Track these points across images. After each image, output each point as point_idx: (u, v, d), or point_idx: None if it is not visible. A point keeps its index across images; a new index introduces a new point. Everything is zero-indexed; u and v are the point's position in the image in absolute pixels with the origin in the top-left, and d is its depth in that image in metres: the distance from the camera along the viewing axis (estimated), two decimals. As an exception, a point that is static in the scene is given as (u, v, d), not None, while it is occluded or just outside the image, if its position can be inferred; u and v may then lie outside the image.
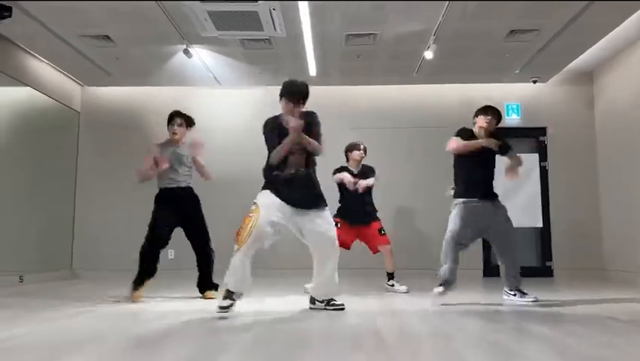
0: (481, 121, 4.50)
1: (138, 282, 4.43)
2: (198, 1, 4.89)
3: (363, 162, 5.49)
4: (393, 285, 5.21)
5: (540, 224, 7.38)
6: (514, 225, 7.09)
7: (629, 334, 2.85)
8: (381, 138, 7.29)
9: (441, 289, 4.16)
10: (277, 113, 3.92)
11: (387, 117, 7.55)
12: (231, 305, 3.45)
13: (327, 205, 3.79)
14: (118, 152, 7.57)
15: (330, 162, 5.23)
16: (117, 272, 6.81)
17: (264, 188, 3.70)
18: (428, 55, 6.05)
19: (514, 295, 4.33)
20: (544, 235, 7.42)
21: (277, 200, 3.57)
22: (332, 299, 3.81)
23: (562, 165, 7.45)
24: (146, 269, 4.48)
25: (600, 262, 7.14)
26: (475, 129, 4.53)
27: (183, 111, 4.98)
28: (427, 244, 6.96)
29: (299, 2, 4.99)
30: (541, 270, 7.31)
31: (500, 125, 7.47)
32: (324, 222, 3.69)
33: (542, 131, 7.58)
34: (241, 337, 2.76)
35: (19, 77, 6.22)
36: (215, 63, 6.64)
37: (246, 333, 2.87)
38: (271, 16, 5.20)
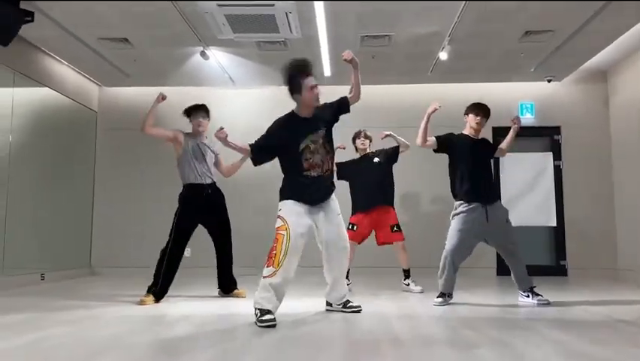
0: (472, 121, 4.51)
1: (152, 291, 4.34)
2: (216, 5, 4.96)
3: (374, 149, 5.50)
4: (408, 284, 5.25)
5: (554, 223, 7.37)
6: (528, 223, 7.30)
7: (629, 338, 2.89)
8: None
9: (440, 300, 4.23)
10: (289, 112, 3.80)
11: (400, 116, 7.57)
12: (273, 318, 3.26)
13: (334, 187, 3.80)
14: (135, 151, 7.70)
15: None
16: (135, 270, 6.98)
17: (285, 198, 3.58)
18: (443, 56, 6.08)
19: (528, 296, 4.36)
20: (558, 234, 7.43)
21: (301, 208, 3.52)
22: (348, 301, 3.87)
23: (576, 164, 7.45)
24: (166, 276, 4.38)
25: (614, 262, 7.14)
26: (466, 129, 4.56)
27: None
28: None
29: (315, 4, 5.04)
30: (555, 269, 7.33)
31: (514, 124, 7.57)
32: (335, 222, 3.68)
33: (557, 130, 7.57)
34: (262, 341, 2.83)
35: (38, 78, 6.34)
36: (230, 64, 6.72)
37: (266, 337, 2.94)
38: (287, 19, 5.26)
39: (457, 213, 4.30)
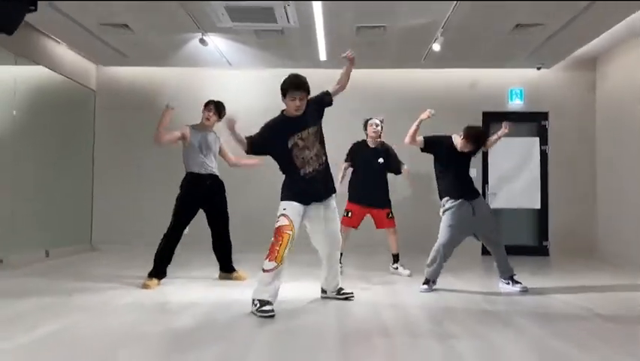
0: (462, 146, 4.60)
1: (153, 274, 4.63)
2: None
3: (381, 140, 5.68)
4: (397, 268, 5.55)
5: (538, 205, 7.71)
6: (514, 206, 7.63)
7: (602, 336, 3.20)
8: (390, 120, 7.53)
9: (425, 287, 4.54)
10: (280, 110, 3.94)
11: (394, 100, 7.76)
12: (272, 309, 3.49)
13: (335, 192, 3.99)
14: (134, 129, 7.86)
15: (339, 143, 5.56)
16: (133, 246, 7.27)
17: (287, 198, 3.75)
18: (436, 47, 6.25)
19: (508, 283, 4.68)
20: (541, 215, 7.77)
21: (301, 208, 3.71)
22: (341, 288, 4.16)
23: (561, 149, 7.72)
24: (164, 258, 4.68)
25: (594, 244, 7.51)
26: (456, 139, 4.69)
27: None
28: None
29: (312, -1, 5.17)
30: (537, 249, 7.70)
31: (503, 109, 7.83)
32: (330, 213, 3.89)
33: (544, 115, 7.81)
34: (263, 333, 3.12)
35: (36, 58, 6.43)
36: (228, 49, 6.84)
37: (267, 328, 3.23)
38: (285, 11, 5.39)
39: (447, 209, 4.56)
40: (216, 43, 6.58)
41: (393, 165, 5.57)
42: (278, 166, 3.91)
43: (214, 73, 7.87)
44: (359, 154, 5.55)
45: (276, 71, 7.75)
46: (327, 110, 4.02)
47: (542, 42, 6.42)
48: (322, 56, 7.00)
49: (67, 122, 7.19)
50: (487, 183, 7.75)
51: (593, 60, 7.65)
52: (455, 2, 5.22)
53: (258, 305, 3.52)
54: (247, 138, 3.82)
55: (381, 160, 5.49)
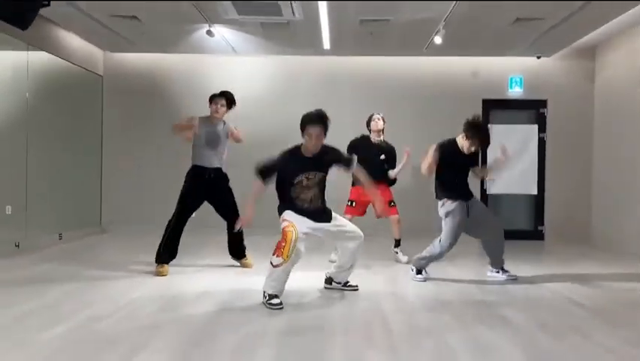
0: (467, 146, 4.66)
1: (162, 260, 4.88)
2: (223, -6, 5.22)
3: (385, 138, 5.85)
4: (397, 252, 5.81)
5: (535, 191, 7.93)
6: (512, 191, 7.86)
7: (584, 328, 3.45)
8: (391, 107, 7.72)
9: (420, 276, 4.77)
10: (298, 144, 4.02)
11: (395, 87, 7.93)
12: (280, 302, 3.73)
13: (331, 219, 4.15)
14: (140, 113, 8.09)
15: (340, 133, 5.70)
16: (140, 227, 7.57)
17: (284, 209, 3.97)
18: (437, 40, 6.38)
19: (498, 272, 4.90)
20: (538, 201, 8.00)
21: (301, 218, 3.92)
22: (347, 281, 4.39)
23: (559, 137, 7.91)
24: (170, 245, 4.92)
25: (588, 229, 7.76)
26: (460, 141, 4.74)
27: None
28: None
29: (317, -7, 5.31)
30: (533, 233, 7.95)
31: (503, 97, 8.00)
32: (340, 224, 4.13)
33: (543, 103, 7.97)
34: (273, 326, 3.38)
35: (45, 46, 6.54)
36: (233, 38, 6.97)
37: (276, 322, 3.49)
38: (291, 6, 5.53)
39: (450, 211, 4.69)
40: (222, 32, 6.71)
41: (391, 164, 5.77)
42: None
43: (219, 59, 8.01)
44: (361, 149, 5.69)
45: (280, 58, 7.94)
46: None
47: (541, 34, 6.55)
48: (326, 44, 7.13)
49: (75, 107, 7.38)
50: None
51: (593, 49, 7.77)
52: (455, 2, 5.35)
53: (267, 298, 3.78)
54: (258, 170, 3.94)
55: (383, 157, 5.68)
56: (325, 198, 4.13)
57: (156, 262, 4.90)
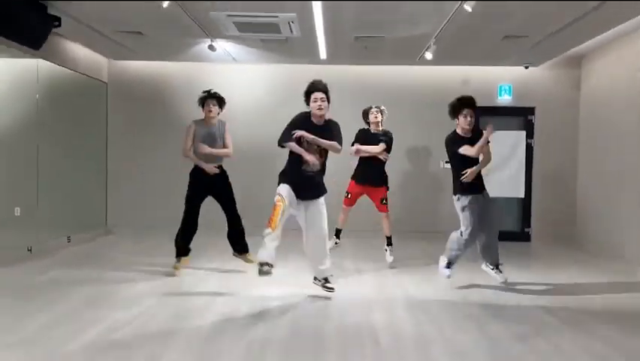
0: (463, 124, 4.94)
1: (177, 254, 5.43)
2: (225, 16, 5.51)
3: (384, 127, 6.13)
4: (386, 250, 6.15)
5: (522, 195, 8.30)
6: (500, 195, 8.22)
7: (553, 340, 3.82)
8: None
9: (447, 271, 5.12)
10: (307, 111, 4.60)
11: (389, 95, 8.24)
12: (269, 268, 4.21)
13: (325, 192, 4.64)
14: (143, 118, 8.43)
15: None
16: (145, 228, 8.02)
17: (282, 182, 4.46)
18: (428, 56, 6.69)
19: (492, 269, 5.17)
20: (525, 204, 8.37)
21: (293, 195, 4.40)
22: (327, 280, 4.74)
23: (546, 143, 8.26)
24: (184, 245, 5.42)
25: (572, 231, 8.15)
26: (458, 129, 5.01)
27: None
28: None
29: (314, 14, 5.60)
30: (520, 235, 8.33)
31: (493, 104, 8.33)
32: (317, 210, 4.55)
33: (531, 110, 8.31)
34: (276, 333, 3.74)
35: (53, 57, 6.79)
36: (233, 48, 7.26)
37: (281, 329, 3.85)
38: (289, 26, 5.82)
39: (466, 206, 4.95)
40: (224, 46, 7.01)
41: (388, 149, 6.06)
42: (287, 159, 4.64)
43: (220, 67, 8.31)
44: (362, 139, 6.04)
45: (279, 66, 8.24)
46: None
47: (529, 48, 6.86)
48: (323, 55, 7.44)
49: (81, 113, 7.68)
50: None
51: (579, 58, 8.09)
52: (447, 19, 5.65)
53: (259, 266, 4.24)
54: (281, 141, 4.54)
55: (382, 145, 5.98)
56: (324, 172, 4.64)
57: (176, 261, 5.44)
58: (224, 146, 5.49)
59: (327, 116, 4.64)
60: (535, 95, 8.28)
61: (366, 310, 4.34)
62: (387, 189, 6.15)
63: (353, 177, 6.18)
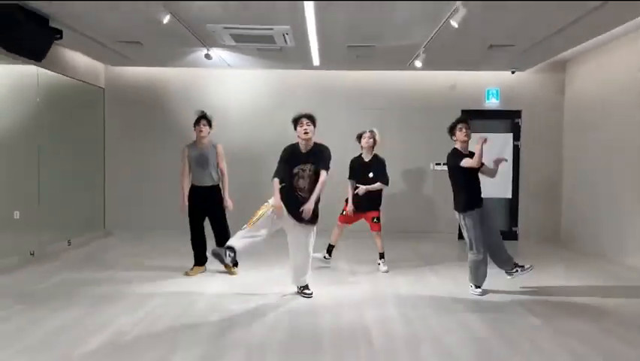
0: (461, 137, 5.16)
1: (194, 263, 5.86)
2: (222, 28, 5.71)
3: (376, 152, 6.26)
4: (379, 263, 6.37)
5: (510, 195, 8.58)
6: (488, 195, 8.43)
7: (535, 339, 4.08)
8: (377, 115, 8.31)
9: (479, 290, 5.18)
10: (294, 142, 4.85)
11: (381, 99, 8.51)
12: (234, 254, 4.48)
13: (317, 221, 4.86)
14: (140, 123, 8.64)
15: (332, 138, 6.22)
16: (142, 230, 8.29)
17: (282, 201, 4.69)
18: (417, 64, 6.93)
19: (515, 271, 5.28)
20: (512, 204, 8.65)
21: (285, 213, 4.67)
22: (305, 288, 5.02)
23: (532, 144, 8.54)
24: (196, 255, 5.84)
25: (557, 230, 8.45)
26: (457, 144, 5.22)
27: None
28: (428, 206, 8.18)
29: (307, 25, 5.80)
30: (508, 234, 8.60)
31: (480, 107, 8.58)
32: (305, 235, 4.81)
33: (518, 113, 8.58)
34: (275, 334, 3.97)
35: (52, 65, 6.94)
36: (229, 55, 7.46)
37: (278, 330, 4.08)
38: (284, 37, 6.03)
39: (467, 222, 5.11)
40: (219, 54, 7.20)
41: (380, 177, 6.20)
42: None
43: (215, 72, 8.50)
44: (355, 169, 6.25)
45: (274, 71, 8.44)
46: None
47: (515, 56, 7.11)
48: (316, 61, 7.65)
49: (79, 118, 7.84)
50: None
51: (564, 63, 8.36)
52: (436, 29, 5.87)
53: (217, 247, 4.63)
54: (275, 177, 4.77)
55: (371, 175, 6.19)
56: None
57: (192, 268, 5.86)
58: (219, 169, 5.78)
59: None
60: (522, 99, 8.55)
61: (360, 311, 4.58)
62: (380, 211, 6.31)
63: (347, 200, 6.31)
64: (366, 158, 6.24)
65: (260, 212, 4.64)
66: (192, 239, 5.84)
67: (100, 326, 4.05)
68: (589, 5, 5.04)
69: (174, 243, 7.29)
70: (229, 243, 4.56)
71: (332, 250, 6.45)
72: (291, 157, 4.78)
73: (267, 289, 5.18)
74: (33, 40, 5.49)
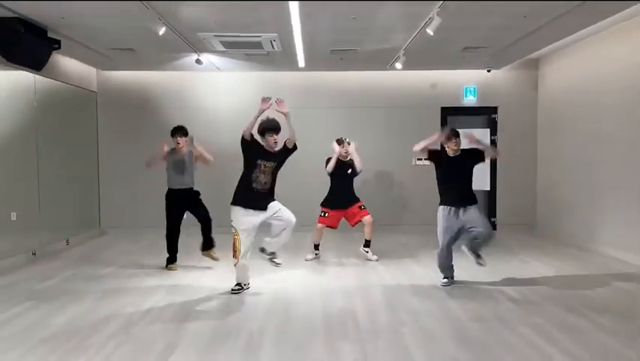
0: (452, 146, 5.35)
1: (167, 262, 6.20)
2: (213, 35, 6.05)
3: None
4: (367, 252, 6.75)
5: (488, 187, 9.03)
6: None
7: (509, 321, 4.50)
8: (359, 113, 8.70)
9: (446, 281, 5.47)
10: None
11: (362, 97, 8.90)
12: (240, 290, 5.10)
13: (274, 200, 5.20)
14: (132, 125, 8.94)
15: (316, 136, 6.70)
16: (135, 228, 8.67)
17: (233, 203, 5.01)
18: (398, 65, 7.32)
19: (471, 253, 5.49)
20: (490, 196, 9.11)
21: (245, 212, 4.96)
22: (274, 255, 5.33)
23: (508, 139, 8.98)
24: (169, 251, 6.19)
25: (533, 220, 8.93)
26: (449, 151, 5.46)
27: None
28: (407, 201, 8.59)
29: (294, 33, 6.16)
30: (486, 224, 9.05)
31: (459, 104, 8.99)
32: (278, 209, 5.12)
33: (494, 110, 9.02)
34: (271, 321, 4.33)
35: (46, 72, 7.03)
36: (218, 59, 7.78)
37: (274, 317, 4.45)
38: (271, 43, 6.38)
39: (439, 216, 5.38)
40: (209, 58, 7.52)
41: (354, 173, 6.64)
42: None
43: (204, 75, 8.81)
44: (335, 169, 6.63)
45: (260, 74, 8.77)
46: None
47: (489, 56, 7.54)
48: (301, 64, 8.00)
49: (73, 121, 8.10)
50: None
51: (536, 61, 8.81)
52: (414, 34, 6.26)
53: (237, 287, 5.17)
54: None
55: (349, 171, 6.60)
56: (275, 186, 5.19)
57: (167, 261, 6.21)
58: (204, 159, 6.14)
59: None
60: (498, 96, 8.99)
61: (349, 298, 4.98)
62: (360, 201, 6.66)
63: (323, 204, 6.64)
64: (343, 160, 6.65)
65: (236, 243, 4.96)
66: (168, 237, 6.17)
67: (110, 317, 4.39)
68: (557, 10, 5.43)
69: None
70: (239, 280, 5.14)
71: (318, 246, 6.75)
72: (260, 148, 5.05)
73: (261, 281, 5.53)
74: (33, 51, 5.76)
